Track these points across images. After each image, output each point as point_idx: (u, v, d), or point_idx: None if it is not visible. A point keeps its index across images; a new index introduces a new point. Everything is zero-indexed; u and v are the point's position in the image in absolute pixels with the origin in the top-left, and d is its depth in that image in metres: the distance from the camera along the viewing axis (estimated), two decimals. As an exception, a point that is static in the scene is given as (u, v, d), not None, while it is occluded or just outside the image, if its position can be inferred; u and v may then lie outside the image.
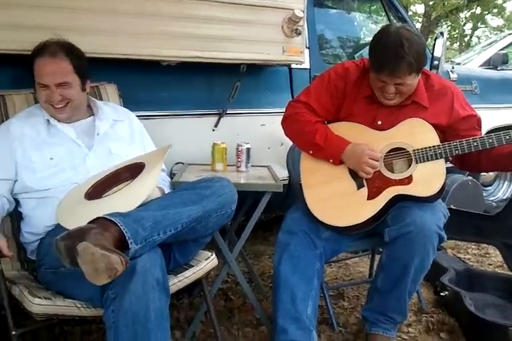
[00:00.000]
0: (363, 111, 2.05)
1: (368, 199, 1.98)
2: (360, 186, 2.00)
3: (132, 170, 1.76)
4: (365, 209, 1.97)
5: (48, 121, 1.87)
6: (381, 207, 1.96)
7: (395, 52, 1.81)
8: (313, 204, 2.02)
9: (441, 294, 2.51)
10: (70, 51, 1.85)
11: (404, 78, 1.86)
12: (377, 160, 1.96)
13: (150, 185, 1.70)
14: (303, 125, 2.05)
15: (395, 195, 1.95)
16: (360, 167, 1.96)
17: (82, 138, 1.89)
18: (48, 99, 1.82)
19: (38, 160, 1.80)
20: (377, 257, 2.58)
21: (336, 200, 2.01)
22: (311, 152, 2.06)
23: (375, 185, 1.98)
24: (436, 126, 1.99)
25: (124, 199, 1.65)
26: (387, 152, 2.00)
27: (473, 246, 3.44)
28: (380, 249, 2.43)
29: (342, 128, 2.05)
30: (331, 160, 2.02)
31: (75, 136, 1.87)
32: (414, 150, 1.96)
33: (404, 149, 1.98)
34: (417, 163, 1.95)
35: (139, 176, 1.71)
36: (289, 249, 1.97)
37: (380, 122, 2.03)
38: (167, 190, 1.95)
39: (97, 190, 1.73)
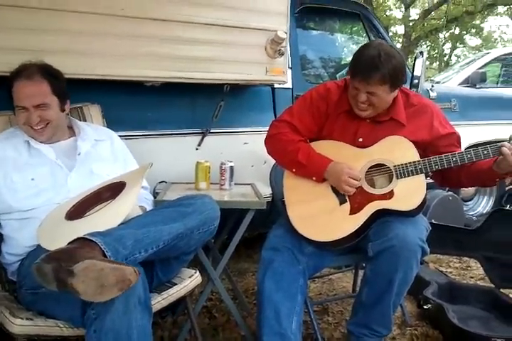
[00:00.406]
0: (344, 129, 2.09)
1: (350, 214, 2.01)
2: (342, 201, 2.03)
3: (113, 190, 1.77)
4: (348, 224, 2.00)
5: (28, 142, 1.87)
6: (363, 221, 1.98)
7: (371, 61, 1.88)
8: (296, 220, 2.04)
9: (425, 307, 2.54)
10: (47, 72, 1.86)
11: (375, 87, 1.91)
12: (356, 180, 1.99)
13: (129, 204, 1.70)
14: (286, 144, 2.08)
15: (377, 210, 1.97)
16: (340, 185, 2.00)
17: (62, 159, 1.89)
18: (27, 121, 1.83)
19: (20, 180, 1.80)
20: (360, 272, 2.59)
21: (319, 216, 2.04)
22: (294, 170, 2.09)
23: (357, 200, 2.01)
24: (416, 143, 2.02)
25: (104, 219, 1.65)
26: (369, 168, 2.04)
27: (454, 260, 3.47)
28: (363, 264, 2.45)
29: (324, 147, 2.08)
30: (313, 178, 2.05)
31: (55, 157, 1.87)
32: (394, 166, 1.99)
33: (385, 165, 2.02)
34: (397, 178, 1.99)
35: (119, 195, 1.72)
36: (273, 265, 1.98)
37: (361, 139, 2.07)
38: (149, 209, 1.96)
39: (78, 210, 1.73)
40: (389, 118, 2.06)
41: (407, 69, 3.59)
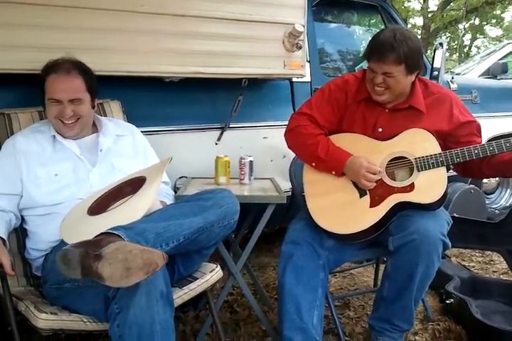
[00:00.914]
0: (363, 120, 2.09)
1: (370, 206, 2.00)
2: (362, 194, 2.02)
3: (134, 185, 1.78)
4: (368, 217, 1.99)
5: (54, 136, 1.89)
6: (384, 214, 1.97)
7: (386, 41, 1.90)
8: (316, 213, 2.04)
9: (447, 302, 2.51)
10: (83, 69, 1.91)
11: (391, 67, 1.91)
12: (375, 174, 1.98)
13: (150, 199, 1.72)
14: (305, 138, 2.08)
15: (397, 203, 1.96)
16: (359, 180, 1.99)
17: (85, 155, 1.91)
18: (60, 114, 1.86)
19: (43, 176, 1.82)
20: (381, 267, 2.58)
21: (339, 209, 2.03)
22: (313, 164, 2.08)
23: (378, 193, 2.00)
24: (436, 133, 2.01)
25: (125, 214, 1.67)
26: (390, 161, 2.03)
27: (477, 254, 3.44)
28: (385, 259, 2.44)
29: (344, 140, 2.08)
30: (333, 172, 2.05)
31: (79, 152, 1.90)
32: (415, 159, 1.98)
33: (406, 158, 2.00)
34: (418, 171, 1.97)
35: (140, 190, 1.73)
36: (293, 259, 1.98)
37: (380, 129, 2.07)
38: (170, 203, 1.96)
39: (100, 205, 1.75)
40: (408, 106, 2.06)
41: (426, 59, 3.59)
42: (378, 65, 1.93)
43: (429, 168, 1.97)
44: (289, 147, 2.19)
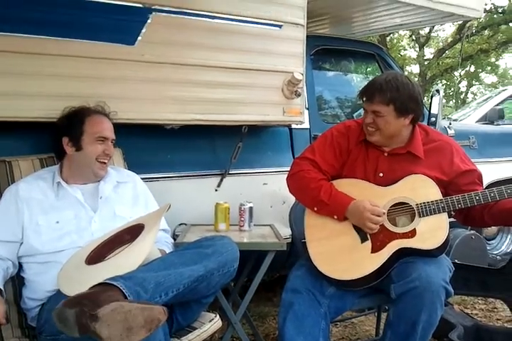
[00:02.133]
0: (364, 165, 2.10)
1: (372, 252, 1.98)
2: (363, 239, 2.01)
3: (132, 232, 1.77)
4: (370, 263, 1.97)
5: (58, 183, 1.90)
6: (385, 260, 1.95)
7: (377, 82, 2.00)
8: (317, 258, 2.02)
9: (451, 351, 2.45)
10: (110, 116, 2.03)
11: (379, 107, 1.97)
12: (379, 216, 1.98)
13: (147, 246, 1.70)
14: (308, 182, 2.08)
15: (399, 249, 1.95)
16: (363, 223, 1.98)
17: (88, 202, 1.92)
18: (106, 152, 1.95)
19: (44, 223, 1.82)
20: (383, 315, 2.53)
21: (340, 254, 2.01)
22: (315, 209, 2.08)
23: (379, 238, 1.99)
24: (436, 180, 2.02)
25: (123, 262, 1.65)
26: (391, 206, 2.02)
27: (480, 301, 3.38)
28: (386, 307, 2.39)
29: (346, 185, 2.08)
30: (335, 216, 2.04)
31: (83, 200, 1.91)
32: (417, 205, 1.98)
33: (407, 204, 2.00)
34: (420, 216, 1.97)
35: (138, 238, 1.72)
36: (293, 308, 1.94)
37: (381, 174, 2.08)
38: (169, 251, 1.95)
39: (99, 254, 1.73)
40: (406, 151, 2.08)
41: (423, 106, 3.64)
42: (368, 105, 2.01)
43: (431, 214, 1.97)
44: (290, 192, 2.19)
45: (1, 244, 1.79)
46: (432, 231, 1.96)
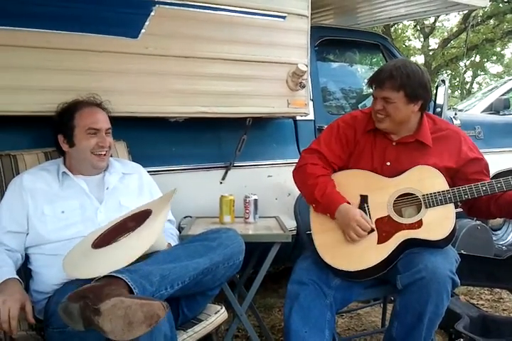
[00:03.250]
0: (372, 155, 2.11)
1: (378, 243, 1.98)
2: (370, 231, 2.00)
3: (138, 219, 1.77)
4: (376, 254, 1.97)
5: (64, 173, 1.91)
6: (391, 250, 1.95)
7: (387, 69, 2.01)
8: (322, 250, 2.02)
9: (456, 341, 2.46)
10: (102, 106, 2.02)
11: (389, 92, 1.98)
12: (365, 230, 1.96)
13: (159, 227, 1.71)
14: (307, 177, 2.09)
15: (405, 239, 1.95)
16: (347, 231, 1.98)
17: (93, 192, 1.93)
18: (100, 144, 1.92)
19: (50, 213, 1.83)
20: (389, 306, 2.54)
21: (346, 245, 2.01)
22: (313, 205, 2.09)
23: (385, 229, 1.99)
24: (444, 169, 2.02)
25: (130, 245, 1.66)
26: (397, 197, 2.02)
27: (486, 292, 3.38)
28: (392, 298, 2.40)
29: (352, 176, 2.09)
30: (328, 215, 2.04)
31: (88, 190, 1.92)
32: (423, 195, 1.98)
33: (414, 194, 2.00)
34: (426, 207, 1.97)
35: (146, 221, 1.72)
36: (299, 299, 1.95)
37: (388, 163, 2.08)
38: (174, 244, 1.95)
39: (104, 240, 1.73)
40: (414, 140, 2.08)
41: (432, 92, 3.61)
42: (378, 91, 2.01)
43: (437, 205, 1.96)
44: (296, 185, 2.20)
45: (8, 234, 1.81)
46: (438, 222, 1.95)
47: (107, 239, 1.74)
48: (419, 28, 16.02)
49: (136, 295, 1.45)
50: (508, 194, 1.97)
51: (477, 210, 2.11)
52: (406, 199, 2.02)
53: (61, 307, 1.42)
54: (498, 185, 1.93)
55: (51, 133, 2.00)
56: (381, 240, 1.98)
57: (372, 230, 1.97)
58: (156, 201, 1.94)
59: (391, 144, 2.11)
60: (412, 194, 2.01)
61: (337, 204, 2.00)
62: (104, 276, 1.51)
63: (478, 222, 3.66)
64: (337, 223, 2.02)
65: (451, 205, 1.97)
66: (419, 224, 1.96)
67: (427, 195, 1.98)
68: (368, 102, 3.11)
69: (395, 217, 1.99)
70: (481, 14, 13.24)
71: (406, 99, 1.98)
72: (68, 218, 1.83)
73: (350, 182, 2.06)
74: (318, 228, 2.08)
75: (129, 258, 1.60)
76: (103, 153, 1.94)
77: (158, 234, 1.70)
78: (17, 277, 1.69)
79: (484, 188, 1.94)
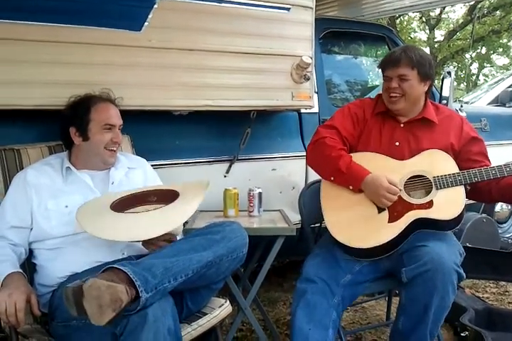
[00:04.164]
0: (380, 135, 2.16)
1: (388, 222, 2.00)
2: (380, 210, 2.03)
3: (161, 196, 1.79)
4: (386, 232, 1.98)
5: (68, 168, 1.91)
6: (402, 229, 1.97)
7: (399, 50, 2.11)
8: (333, 227, 2.04)
9: (462, 334, 2.47)
10: (116, 102, 2.02)
11: (405, 70, 2.06)
12: (395, 194, 1.98)
13: (184, 216, 1.74)
14: (329, 149, 2.09)
15: (416, 219, 1.97)
16: (378, 199, 2.01)
17: (98, 187, 1.93)
18: (114, 139, 1.94)
19: (53, 208, 1.82)
20: (394, 299, 2.53)
21: (357, 223, 2.04)
22: (332, 178, 2.09)
23: (396, 209, 2.01)
24: (450, 147, 2.09)
25: (154, 221, 1.70)
26: (408, 179, 2.05)
27: (491, 285, 3.37)
28: (397, 291, 2.39)
29: (363, 158, 2.10)
30: (350, 187, 2.06)
31: (92, 184, 1.91)
32: (434, 177, 2.02)
33: (425, 176, 2.03)
34: (437, 189, 2.01)
35: (174, 203, 1.74)
36: (306, 297, 1.95)
37: (397, 143, 2.13)
38: (179, 237, 1.96)
39: (123, 205, 1.76)
40: (421, 117, 2.14)
41: (435, 88, 3.59)
42: (393, 70, 2.08)
43: (448, 187, 2.01)
44: (308, 162, 2.24)
45: (12, 229, 1.80)
46: (448, 203, 1.99)
47: (126, 203, 1.78)
48: (424, 20, 15.91)
49: (112, 279, 1.44)
50: (509, 178, 2.01)
51: (477, 193, 2.14)
52: (417, 181, 2.05)
53: (63, 294, 1.45)
54: (508, 169, 2.00)
55: (55, 127, 1.99)
56: (392, 219, 2.01)
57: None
58: (185, 185, 1.94)
59: (399, 125, 2.16)
60: (422, 176, 2.04)
61: (364, 175, 2.03)
62: (107, 268, 1.52)
63: (483, 215, 3.65)
64: (365, 194, 2.04)
65: (462, 188, 2.02)
66: (430, 205, 2.00)
67: (438, 176, 2.02)
68: (373, 95, 3.09)
69: (406, 197, 2.02)
70: (487, 5, 13.14)
71: (419, 77, 2.07)
72: (72, 212, 1.82)
73: (362, 164, 2.07)
74: (330, 206, 2.11)
75: (151, 233, 1.67)
76: (114, 148, 1.96)
77: (183, 221, 1.74)
78: (21, 271, 1.70)
79: (494, 172, 2.00)
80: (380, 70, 2.19)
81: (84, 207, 1.76)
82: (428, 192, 2.02)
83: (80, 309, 1.41)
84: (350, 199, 2.08)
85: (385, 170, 2.05)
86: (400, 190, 2.01)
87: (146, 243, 1.80)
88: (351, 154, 2.12)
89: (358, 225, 2.03)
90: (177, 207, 1.73)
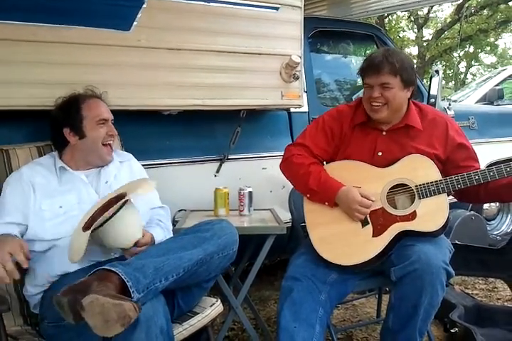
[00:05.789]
0: (362, 146, 2.09)
1: (373, 236, 1.98)
2: (364, 224, 2.00)
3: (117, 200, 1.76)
4: (372, 247, 1.97)
5: (62, 168, 1.90)
6: (387, 243, 1.96)
7: (380, 55, 1.98)
8: (318, 244, 2.02)
9: (452, 331, 2.47)
10: (103, 97, 2.03)
11: (388, 78, 1.95)
12: (367, 207, 1.97)
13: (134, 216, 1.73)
14: (297, 168, 2.07)
15: (400, 232, 1.95)
16: (351, 213, 1.99)
17: (92, 186, 1.92)
18: (109, 133, 1.95)
19: (48, 208, 1.81)
20: (384, 297, 2.55)
21: (342, 239, 2.01)
22: (308, 195, 2.07)
23: (380, 222, 1.99)
24: (434, 155, 2.03)
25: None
26: (390, 188, 2.02)
27: (480, 281, 3.40)
28: (387, 289, 2.40)
29: (343, 168, 2.07)
30: (326, 203, 2.03)
31: (88, 181, 1.91)
32: (416, 186, 1.98)
33: (407, 185, 2.00)
34: (420, 198, 1.97)
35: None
36: (292, 295, 1.93)
37: (380, 153, 2.07)
38: (166, 233, 1.95)
39: (91, 221, 1.73)
40: (404, 124, 2.07)
41: (423, 87, 3.61)
42: (375, 78, 1.97)
43: (431, 195, 1.96)
44: (286, 178, 2.19)
45: (11, 225, 1.78)
46: (432, 213, 1.96)
47: (94, 219, 1.74)
48: (412, 19, 16.00)
49: (114, 294, 1.43)
50: (498, 180, 1.97)
51: (466, 195, 2.12)
52: (399, 190, 2.02)
53: (55, 301, 1.43)
54: (491, 174, 1.94)
55: (44, 127, 1.98)
56: (376, 233, 1.98)
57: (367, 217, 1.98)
58: (131, 183, 1.91)
59: (381, 134, 2.09)
60: (405, 184, 2.00)
61: (336, 190, 1.99)
62: (98, 269, 1.51)
63: (472, 212, 3.67)
64: (340, 208, 2.01)
65: (444, 195, 1.98)
66: (413, 216, 1.96)
67: (420, 185, 1.98)
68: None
69: (389, 209, 1.99)
70: (474, 4, 13.23)
71: (402, 84, 1.97)
72: (66, 213, 1.82)
73: (343, 174, 2.04)
74: (314, 222, 2.07)
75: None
76: (111, 141, 1.96)
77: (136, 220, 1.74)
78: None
79: (477, 177, 1.95)
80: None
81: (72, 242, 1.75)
82: (413, 198, 1.99)
83: (77, 318, 1.40)
84: (332, 214, 2.04)
85: (366, 178, 2.03)
86: (373, 200, 1.98)
87: (124, 251, 1.79)
88: (330, 164, 2.11)
89: (342, 242, 2.00)
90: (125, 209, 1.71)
